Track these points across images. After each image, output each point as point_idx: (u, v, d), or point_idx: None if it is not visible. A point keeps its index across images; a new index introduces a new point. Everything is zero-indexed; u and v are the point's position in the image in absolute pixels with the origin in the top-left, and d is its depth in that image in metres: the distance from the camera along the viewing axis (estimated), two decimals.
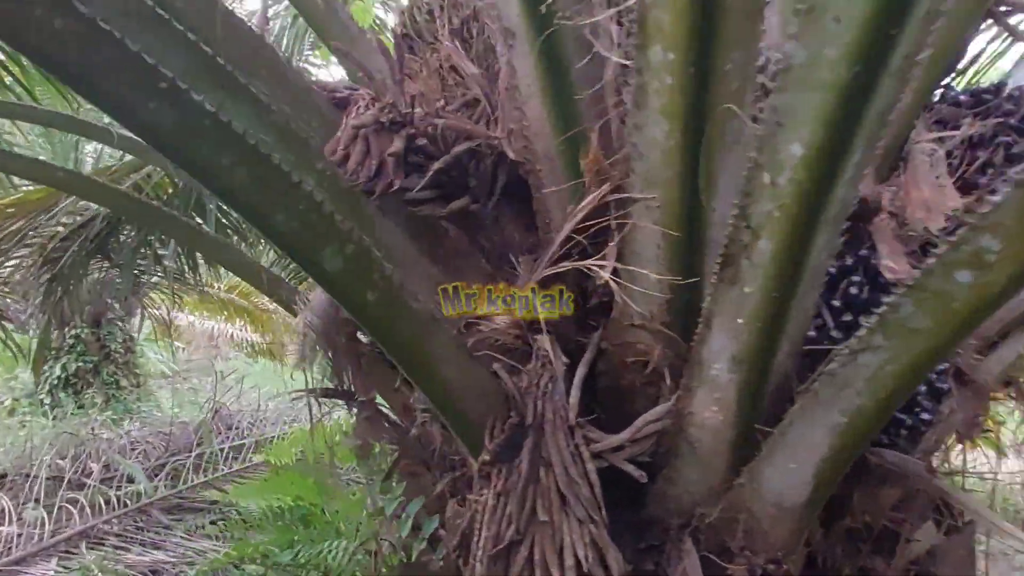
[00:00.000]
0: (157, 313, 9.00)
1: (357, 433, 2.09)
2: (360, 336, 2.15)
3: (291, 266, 5.66)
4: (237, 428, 7.15)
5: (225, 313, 12.16)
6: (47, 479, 5.55)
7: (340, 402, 2.14)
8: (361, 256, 1.36)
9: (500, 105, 1.69)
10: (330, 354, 2.08)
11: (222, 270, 6.74)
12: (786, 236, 1.10)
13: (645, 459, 1.62)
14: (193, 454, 6.09)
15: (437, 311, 1.52)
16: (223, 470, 6.02)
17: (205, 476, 5.91)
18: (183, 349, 12.11)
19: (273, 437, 6.63)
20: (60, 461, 5.86)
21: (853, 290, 1.42)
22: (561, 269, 1.49)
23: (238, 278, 7.68)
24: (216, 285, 10.75)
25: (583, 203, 1.43)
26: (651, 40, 1.10)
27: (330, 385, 2.13)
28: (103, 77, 1.04)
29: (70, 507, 5.18)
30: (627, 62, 1.24)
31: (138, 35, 1.05)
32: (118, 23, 1.03)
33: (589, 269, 1.44)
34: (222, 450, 6.33)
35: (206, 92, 1.16)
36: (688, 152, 1.21)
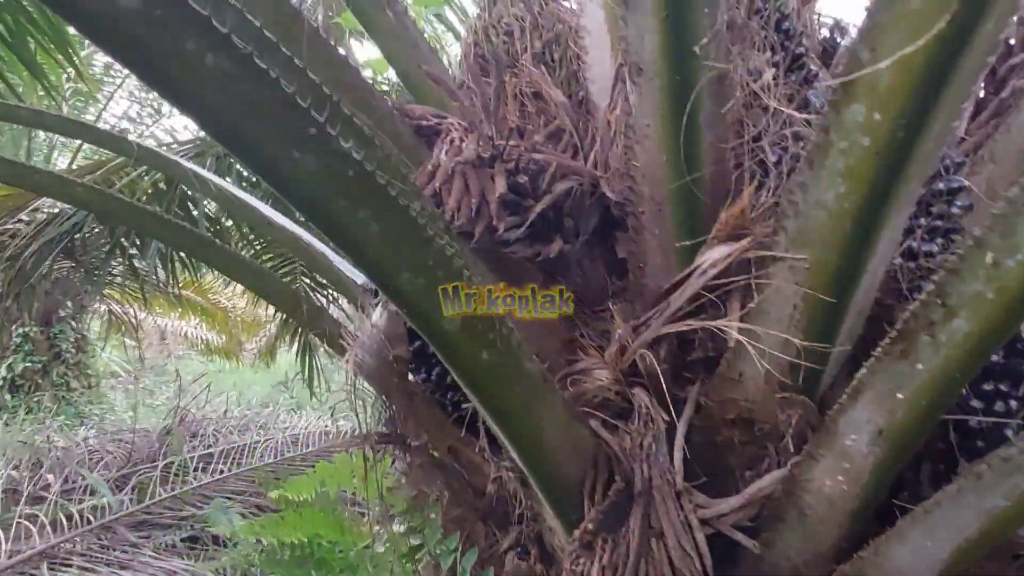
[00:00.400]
0: (116, 310, 8.55)
1: (411, 481, 1.94)
2: (411, 376, 2.01)
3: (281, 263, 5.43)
4: (202, 436, 6.83)
5: (179, 310, 11.68)
6: (1, 493, 5.18)
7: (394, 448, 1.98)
8: (482, 314, 1.23)
9: (600, 140, 1.57)
10: (384, 397, 1.92)
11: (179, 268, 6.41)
12: (993, 320, 1.01)
13: (745, 523, 1.54)
14: (160, 465, 5.78)
15: (547, 371, 1.39)
16: (192, 483, 5.73)
17: (173, 489, 5.61)
18: (135, 348, 11.58)
19: (244, 446, 6.35)
20: (14, 472, 5.49)
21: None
22: (685, 327, 1.37)
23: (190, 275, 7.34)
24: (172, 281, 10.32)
25: (719, 257, 1.32)
26: (854, 99, 1.00)
27: (379, 428, 1.97)
28: (249, 122, 0.88)
29: (28, 524, 4.85)
30: (795, 113, 1.14)
31: (290, 75, 0.89)
32: (268, 61, 0.87)
33: (719, 329, 1.33)
34: (191, 459, 6.04)
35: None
36: (863, 216, 1.12)
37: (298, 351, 6.87)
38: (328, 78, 1.41)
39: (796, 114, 1.27)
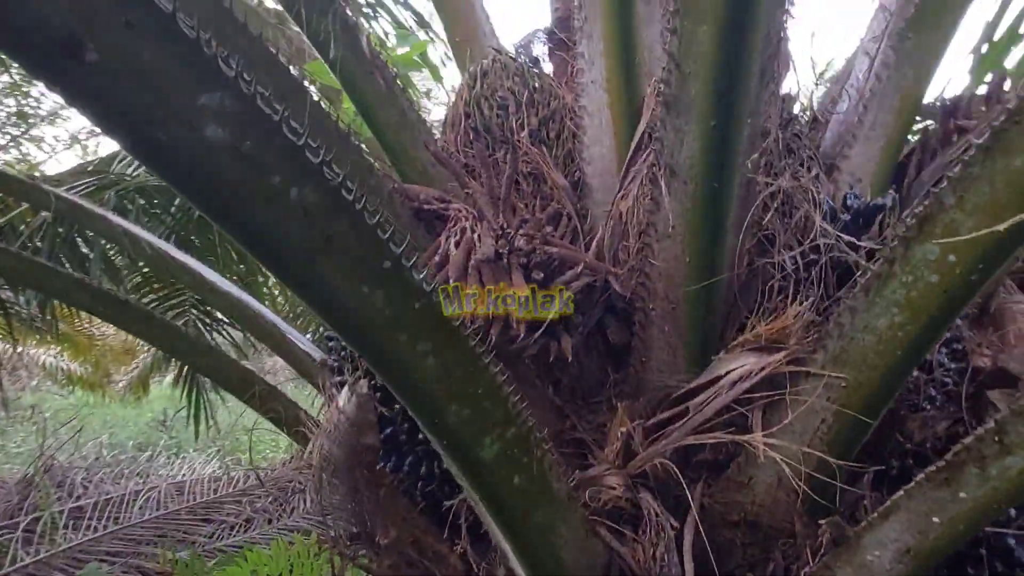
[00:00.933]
0: None
1: None
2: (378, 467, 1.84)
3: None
4: (70, 486, 6.11)
5: (37, 337, 10.59)
6: None
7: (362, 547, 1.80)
8: (521, 440, 1.12)
9: (609, 231, 1.51)
10: (352, 491, 1.75)
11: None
12: None
13: None
14: (22, 523, 5.09)
15: (571, 489, 1.29)
16: (61, 544, 5.09)
17: (39, 552, 4.95)
18: None
19: (120, 497, 5.73)
20: None
21: None
22: (711, 440, 1.32)
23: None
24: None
25: (751, 369, 1.28)
26: (930, 237, 0.99)
27: (345, 526, 1.79)
28: (323, 257, 0.74)
29: None
30: (860, 244, 1.12)
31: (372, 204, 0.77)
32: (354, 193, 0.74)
33: (748, 443, 1.29)
34: (59, 514, 5.37)
35: None
36: (915, 345, 1.11)
37: (182, 385, 6.34)
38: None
39: (844, 237, 1.26)
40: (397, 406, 1.83)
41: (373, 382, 1.86)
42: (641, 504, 1.48)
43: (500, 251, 1.34)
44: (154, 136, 0.61)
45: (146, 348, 9.37)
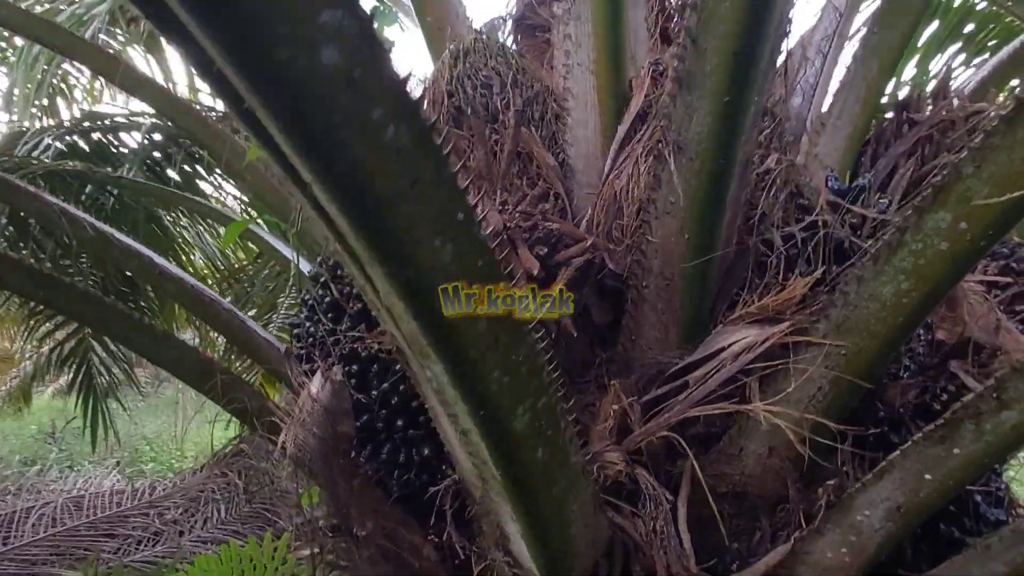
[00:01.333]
0: None
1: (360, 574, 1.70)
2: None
3: None
4: None
5: None
6: None
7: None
8: (550, 411, 1.10)
9: (604, 210, 1.52)
10: (327, 480, 1.67)
11: None
12: None
13: None
14: None
15: (586, 464, 1.29)
16: None
17: None
18: None
19: (11, 515, 5.24)
20: None
21: None
22: (715, 411, 1.35)
23: None
24: None
25: (753, 341, 1.32)
26: (942, 206, 1.05)
27: (320, 518, 1.71)
28: (404, 204, 0.71)
29: None
30: (866, 212, 1.17)
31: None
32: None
33: (749, 412, 1.32)
34: None
35: None
36: (918, 311, 1.18)
37: (77, 392, 5.88)
38: None
39: (858, 209, 1.32)
40: (375, 392, 1.77)
41: (347, 368, 1.79)
42: (639, 479, 1.49)
43: (508, 224, 1.32)
44: (272, 58, 0.56)
45: (27, 355, 8.65)
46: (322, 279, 1.89)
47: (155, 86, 2.64)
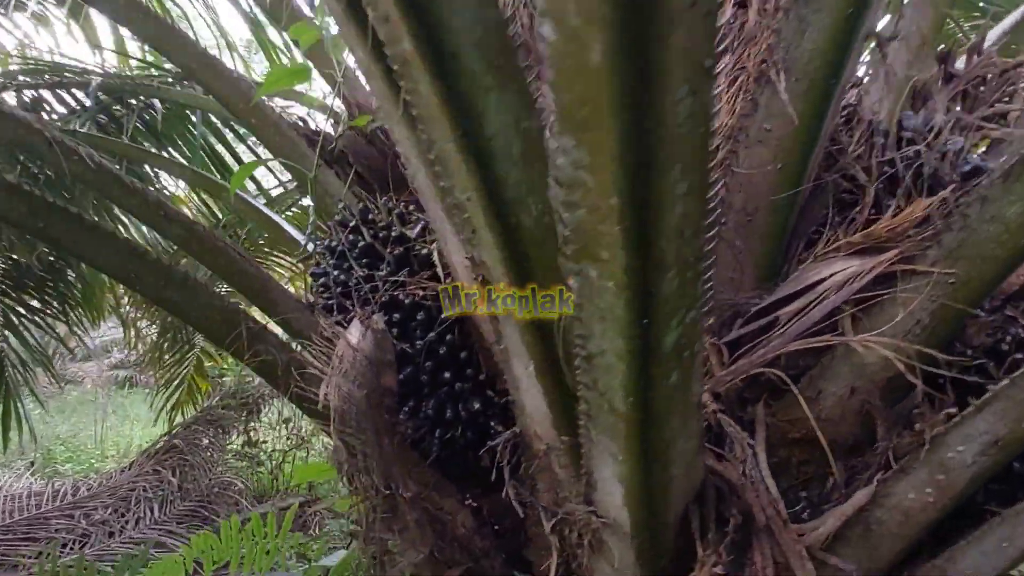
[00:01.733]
0: None
1: (408, 540, 1.55)
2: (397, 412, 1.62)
3: None
4: None
5: None
6: None
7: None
8: (694, 327, 1.01)
9: None
10: (373, 437, 1.51)
11: None
12: None
13: None
14: None
15: (701, 398, 1.19)
16: None
17: None
18: None
19: None
20: None
21: None
22: (818, 344, 1.29)
23: None
24: None
25: (856, 272, 1.27)
26: None
27: (368, 479, 1.55)
28: None
29: None
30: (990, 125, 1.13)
31: None
32: None
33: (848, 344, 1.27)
34: None
35: None
36: None
37: None
38: None
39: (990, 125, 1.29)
40: (419, 343, 1.63)
41: (388, 317, 1.65)
42: (723, 423, 1.42)
43: None
44: None
45: None
46: (351, 223, 1.74)
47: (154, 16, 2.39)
